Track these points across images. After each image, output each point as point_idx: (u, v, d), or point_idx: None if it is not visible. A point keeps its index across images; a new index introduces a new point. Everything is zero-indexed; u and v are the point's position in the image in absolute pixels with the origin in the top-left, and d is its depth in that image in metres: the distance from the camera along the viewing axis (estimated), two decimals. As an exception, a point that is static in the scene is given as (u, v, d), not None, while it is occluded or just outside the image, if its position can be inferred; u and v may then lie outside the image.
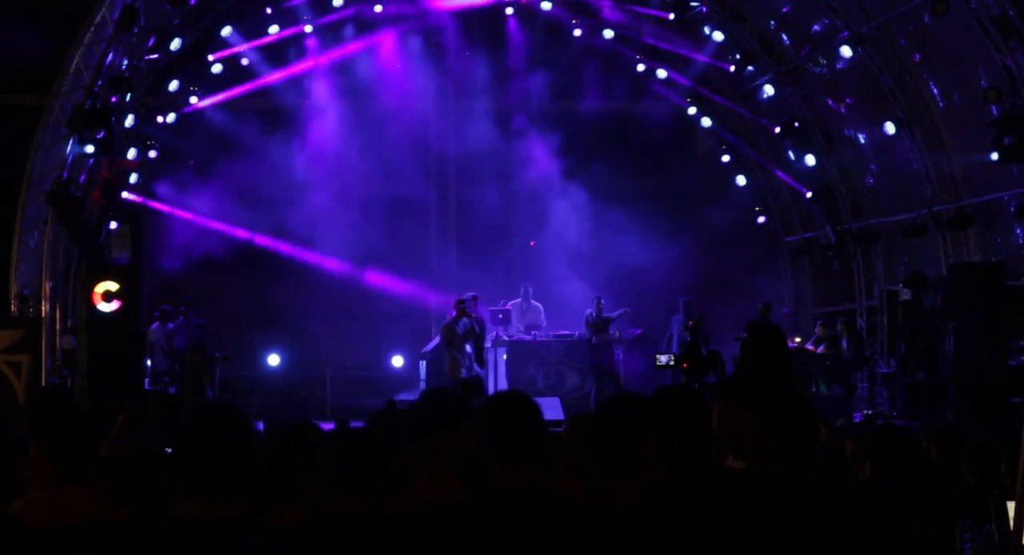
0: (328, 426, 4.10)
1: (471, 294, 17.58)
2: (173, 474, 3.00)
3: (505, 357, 18.35)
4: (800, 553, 3.72)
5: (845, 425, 9.92)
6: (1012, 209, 16.35)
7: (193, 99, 19.35)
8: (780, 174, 21.25)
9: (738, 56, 20.08)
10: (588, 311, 18.15)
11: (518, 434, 3.63)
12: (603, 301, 18.19)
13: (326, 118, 20.22)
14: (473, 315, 17.27)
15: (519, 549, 3.42)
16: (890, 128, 17.76)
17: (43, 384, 15.64)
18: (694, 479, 4.03)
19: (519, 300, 18.87)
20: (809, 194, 20.81)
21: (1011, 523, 4.33)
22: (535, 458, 3.62)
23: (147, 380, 17.12)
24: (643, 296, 18.89)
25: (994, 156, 15.18)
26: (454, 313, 17.18)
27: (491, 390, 18.12)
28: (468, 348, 17.18)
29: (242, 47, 19.31)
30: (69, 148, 16.60)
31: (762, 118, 21.01)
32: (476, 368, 17.21)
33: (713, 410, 4.48)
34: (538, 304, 18.96)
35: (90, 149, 16.50)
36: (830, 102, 20.16)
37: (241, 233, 19.49)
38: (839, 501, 3.83)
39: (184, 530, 2.93)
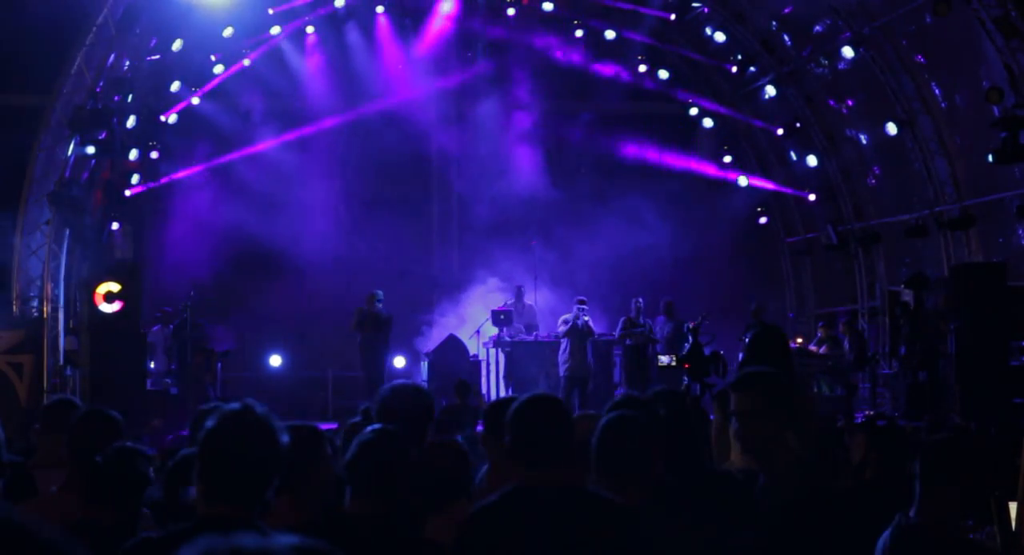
0: (329, 426, 4.11)
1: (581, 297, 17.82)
2: (196, 476, 3.03)
3: (506, 358, 18.34)
4: (801, 553, 3.72)
5: (846, 425, 9.92)
6: (1014, 210, 16.36)
7: (195, 100, 19.37)
8: (777, 187, 21.33)
9: (739, 57, 20.09)
10: (628, 316, 18.05)
11: (547, 437, 3.66)
12: (641, 303, 18.11)
13: (327, 119, 20.22)
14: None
15: (556, 544, 3.44)
16: (892, 129, 17.77)
17: (45, 388, 15.66)
18: (692, 480, 4.04)
19: (512, 300, 18.84)
20: (812, 197, 20.84)
21: (1013, 524, 4.33)
22: (565, 458, 3.65)
23: (149, 381, 17.12)
24: (645, 296, 18.84)
25: (991, 157, 15.20)
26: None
27: (492, 390, 18.15)
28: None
29: (243, 48, 19.34)
30: (71, 149, 16.63)
31: (764, 119, 21.04)
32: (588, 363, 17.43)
33: (714, 413, 4.50)
34: (531, 303, 18.93)
35: (92, 150, 16.54)
36: (832, 103, 20.17)
37: (242, 234, 19.47)
38: (841, 502, 3.84)
39: (198, 529, 2.95)
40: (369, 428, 3.93)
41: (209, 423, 3.01)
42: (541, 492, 3.56)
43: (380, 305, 16.84)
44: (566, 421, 3.74)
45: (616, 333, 17.96)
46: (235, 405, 3.02)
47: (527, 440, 3.67)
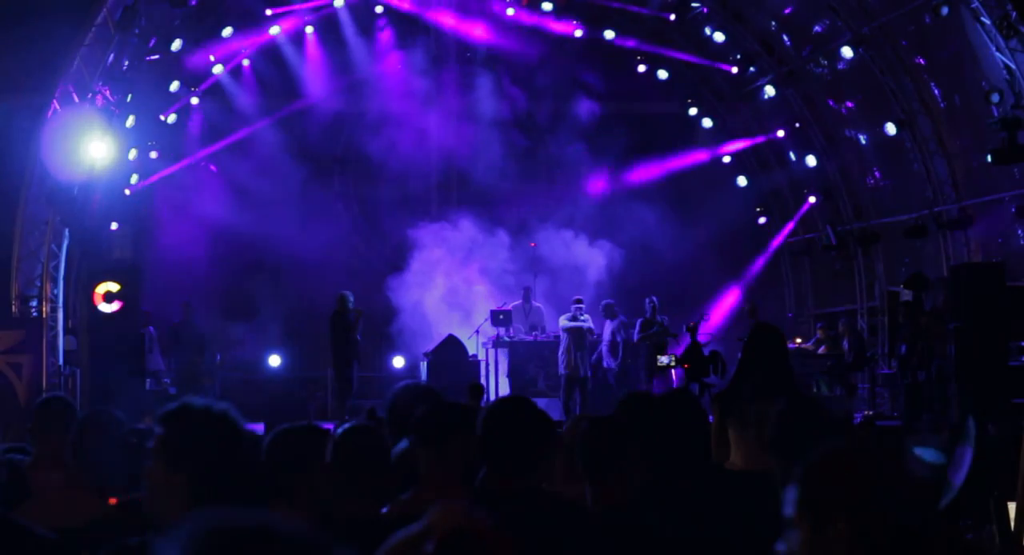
0: (330, 426, 4.12)
1: (578, 297, 17.78)
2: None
3: (506, 358, 18.36)
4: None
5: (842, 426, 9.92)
6: (1012, 210, 16.37)
7: (194, 100, 19.39)
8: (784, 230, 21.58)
9: (739, 57, 20.11)
10: (645, 317, 17.98)
11: (513, 443, 3.68)
12: (656, 301, 18.06)
13: (327, 119, 20.22)
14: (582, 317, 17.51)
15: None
16: (891, 129, 17.78)
17: (44, 388, 15.63)
18: (690, 480, 4.03)
19: (520, 301, 18.85)
20: (812, 198, 20.86)
21: (1012, 523, 4.33)
22: (530, 466, 3.65)
23: (148, 380, 17.13)
24: (643, 296, 18.84)
25: (990, 157, 15.23)
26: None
27: (492, 391, 18.15)
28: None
29: (242, 48, 19.37)
30: (70, 149, 16.60)
31: (763, 119, 21.05)
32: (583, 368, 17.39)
33: (713, 413, 4.50)
34: (539, 305, 18.94)
35: (92, 150, 16.52)
36: (831, 103, 20.18)
37: (242, 234, 19.47)
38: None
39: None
40: (345, 426, 3.94)
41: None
42: (498, 495, 3.57)
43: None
44: (531, 424, 3.74)
45: (635, 336, 17.87)
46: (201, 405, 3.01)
47: (489, 442, 3.68)
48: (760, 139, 21.33)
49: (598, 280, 19.60)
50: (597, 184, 20.54)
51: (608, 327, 17.94)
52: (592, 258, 19.76)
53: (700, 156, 21.68)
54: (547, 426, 3.81)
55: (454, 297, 19.58)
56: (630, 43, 20.70)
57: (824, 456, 2.27)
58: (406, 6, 20.12)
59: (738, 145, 21.73)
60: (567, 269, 19.70)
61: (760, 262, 21.98)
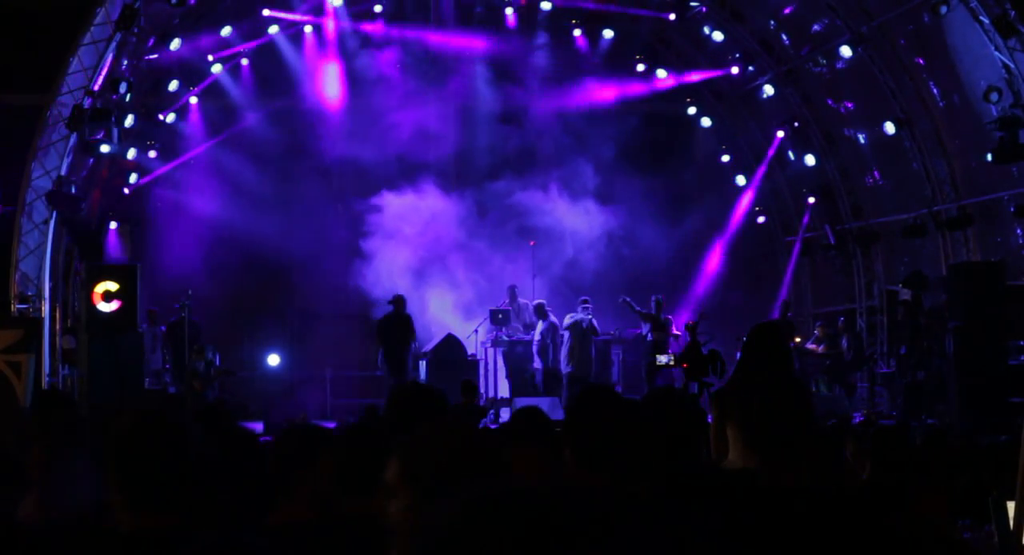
0: (330, 425, 4.12)
1: (584, 297, 17.90)
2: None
3: (504, 357, 18.36)
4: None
5: (839, 425, 9.93)
6: (1012, 209, 16.38)
7: (192, 99, 19.39)
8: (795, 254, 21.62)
9: (738, 56, 20.11)
10: (649, 313, 18.09)
11: (598, 436, 3.49)
12: (662, 298, 18.17)
13: (327, 118, 20.21)
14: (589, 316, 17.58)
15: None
16: (890, 128, 17.78)
17: (44, 385, 15.65)
18: (687, 480, 4.03)
19: (506, 300, 18.87)
20: (812, 199, 20.86)
21: (1011, 523, 4.34)
22: (615, 460, 3.51)
23: (148, 380, 17.14)
24: (642, 296, 18.85)
25: (991, 156, 15.25)
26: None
27: (489, 391, 18.16)
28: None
29: (241, 47, 19.36)
30: (69, 148, 16.62)
31: (762, 118, 21.05)
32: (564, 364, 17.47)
33: (712, 412, 4.50)
34: (526, 302, 18.96)
35: (91, 149, 16.52)
36: (830, 102, 20.18)
37: (240, 233, 19.47)
38: (838, 502, 3.84)
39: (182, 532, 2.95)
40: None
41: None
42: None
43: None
44: (624, 417, 3.59)
45: (643, 330, 18.02)
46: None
47: (581, 434, 3.49)
48: (770, 153, 21.25)
49: (594, 279, 19.62)
50: (594, 182, 20.51)
51: (539, 327, 18.08)
52: (587, 255, 19.82)
53: (738, 213, 21.79)
54: (635, 419, 3.66)
55: (442, 281, 19.71)
56: (629, 42, 20.71)
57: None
58: (404, 4, 20.15)
59: (758, 172, 21.72)
60: (552, 240, 19.80)
61: (790, 272, 21.95)
